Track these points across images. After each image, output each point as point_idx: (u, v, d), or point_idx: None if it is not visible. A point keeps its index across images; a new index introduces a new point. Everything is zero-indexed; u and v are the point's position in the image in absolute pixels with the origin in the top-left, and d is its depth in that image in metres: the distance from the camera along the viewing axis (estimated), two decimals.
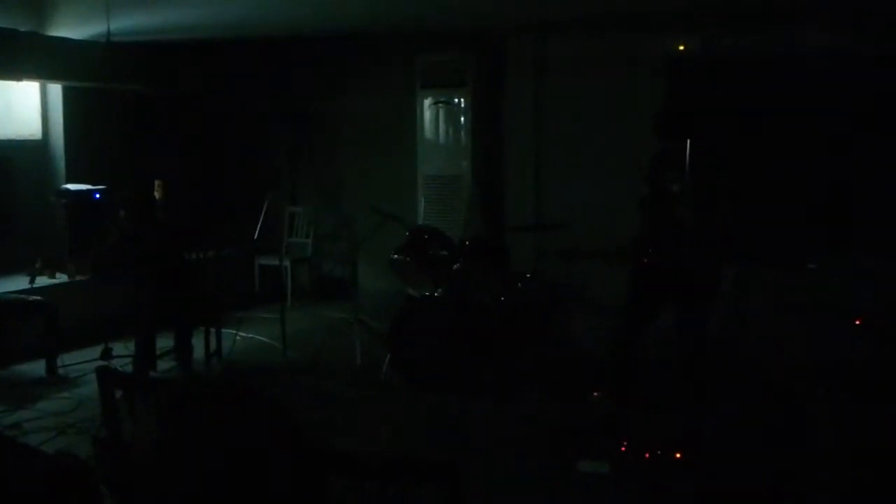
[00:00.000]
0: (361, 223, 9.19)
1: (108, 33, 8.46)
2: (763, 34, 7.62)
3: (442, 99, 9.49)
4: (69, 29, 8.66)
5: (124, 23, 8.39)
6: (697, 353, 5.60)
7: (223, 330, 7.70)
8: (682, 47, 7.74)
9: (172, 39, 8.64)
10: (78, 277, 8.19)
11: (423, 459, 2.45)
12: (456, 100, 9.43)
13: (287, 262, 9.85)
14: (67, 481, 2.14)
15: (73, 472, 2.17)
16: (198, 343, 7.37)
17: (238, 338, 7.99)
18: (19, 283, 7.86)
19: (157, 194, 8.57)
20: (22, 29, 8.32)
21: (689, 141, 5.08)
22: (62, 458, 2.35)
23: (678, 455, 5.18)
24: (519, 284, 7.24)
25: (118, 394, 3.57)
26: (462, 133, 9.45)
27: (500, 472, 5.26)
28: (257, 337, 8.44)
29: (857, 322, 6.27)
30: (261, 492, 1.33)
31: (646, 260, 5.57)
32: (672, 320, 5.64)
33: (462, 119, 9.45)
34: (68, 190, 8.46)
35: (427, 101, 9.58)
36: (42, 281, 8.03)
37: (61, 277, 8.21)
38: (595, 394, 6.14)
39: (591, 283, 7.72)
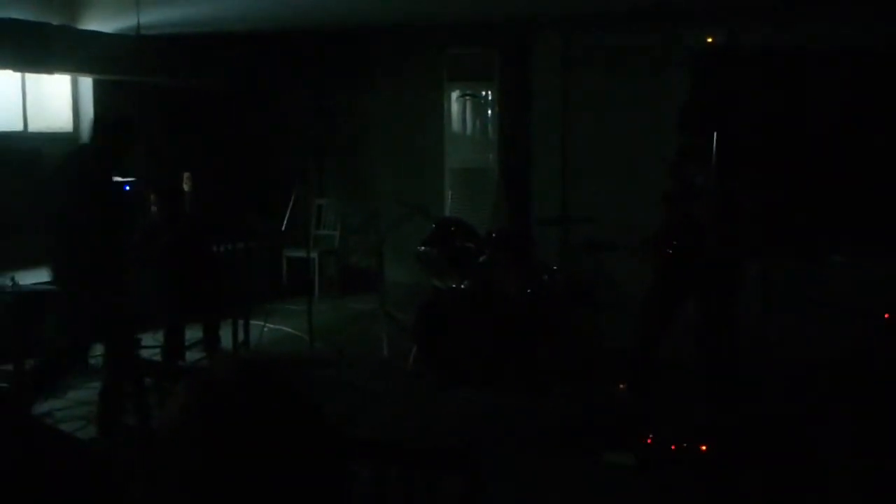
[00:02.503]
0: (388, 216, 9.22)
1: (139, 27, 8.53)
2: (791, 28, 7.57)
3: (469, 92, 9.52)
4: (100, 22, 8.74)
5: (154, 16, 8.46)
6: (721, 346, 5.59)
7: (251, 321, 7.76)
8: (709, 40, 7.70)
9: (202, 33, 8.70)
10: None
11: (444, 448, 2.47)
12: (483, 93, 9.45)
13: (314, 255, 9.91)
14: (97, 467, 2.18)
15: (101, 459, 2.21)
16: (225, 334, 7.43)
17: (265, 329, 8.05)
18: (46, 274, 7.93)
19: (185, 186, 8.63)
20: (54, 22, 8.40)
21: (713, 135, 5.07)
22: (92, 445, 2.39)
23: (703, 447, 5.18)
24: (545, 277, 7.23)
25: (147, 382, 3.64)
26: (489, 126, 9.47)
27: (525, 463, 5.29)
28: (284, 328, 8.50)
29: (886, 317, 6.23)
30: (283, 480, 1.35)
31: (669, 252, 5.56)
32: (696, 314, 5.64)
33: (489, 112, 9.47)
34: None
35: (454, 95, 9.60)
36: None
37: None
38: (621, 386, 6.14)
39: (616, 275, 7.71)
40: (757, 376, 6.24)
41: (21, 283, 7.31)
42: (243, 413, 1.33)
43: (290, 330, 8.46)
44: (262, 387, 1.40)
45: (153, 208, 7.10)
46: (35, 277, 7.77)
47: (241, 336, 7.62)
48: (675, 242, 5.54)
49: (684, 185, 5.50)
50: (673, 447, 5.24)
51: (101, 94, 9.05)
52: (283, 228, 6.99)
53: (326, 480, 1.46)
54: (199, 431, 1.31)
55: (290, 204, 6.95)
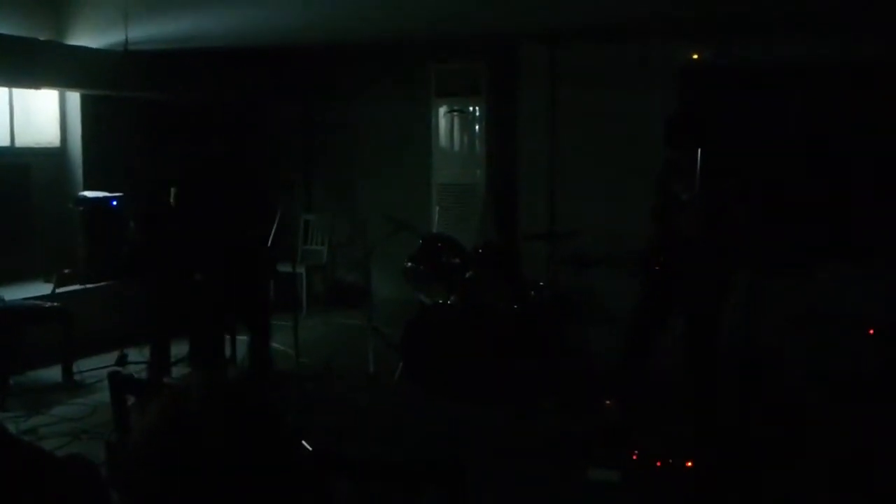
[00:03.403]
0: (376, 231, 9.23)
1: (126, 42, 8.55)
2: (775, 44, 7.62)
3: (456, 107, 9.55)
4: (87, 37, 8.75)
5: (142, 32, 8.49)
6: (708, 361, 5.61)
7: (238, 337, 7.76)
8: (695, 56, 7.75)
9: (189, 48, 8.71)
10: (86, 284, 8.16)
11: (425, 461, 2.47)
12: (470, 108, 9.49)
13: (302, 270, 9.91)
14: (76, 484, 2.17)
15: (81, 476, 2.20)
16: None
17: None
18: (37, 289, 7.92)
19: (172, 202, 8.63)
20: (41, 38, 8.42)
21: (698, 150, 5.10)
22: (72, 461, 2.38)
23: (689, 463, 5.19)
24: (531, 292, 7.25)
25: (130, 399, 3.62)
26: (476, 141, 9.50)
27: (509, 479, 5.27)
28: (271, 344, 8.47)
29: (871, 332, 6.26)
30: (249, 496, 1.35)
31: (656, 268, 5.58)
32: (682, 329, 5.65)
33: (476, 127, 9.50)
34: (86, 197, 8.53)
35: (441, 110, 9.64)
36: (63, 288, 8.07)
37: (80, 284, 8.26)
38: (607, 403, 6.14)
39: (603, 290, 7.74)
40: (742, 390, 6.27)
41: (5, 297, 7.29)
42: (211, 430, 1.33)
43: (276, 345, 8.43)
44: (231, 405, 1.40)
45: (132, 226, 7.09)
46: (22, 293, 7.77)
47: (227, 351, 7.62)
48: (662, 258, 5.56)
49: (671, 200, 5.52)
50: (658, 463, 5.25)
51: (89, 109, 9.04)
52: (269, 244, 6.98)
53: (295, 496, 1.46)
54: (167, 447, 1.31)
55: (276, 220, 6.95)
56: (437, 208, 9.53)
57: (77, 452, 4.67)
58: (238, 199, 7.22)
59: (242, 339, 7.83)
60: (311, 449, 2.59)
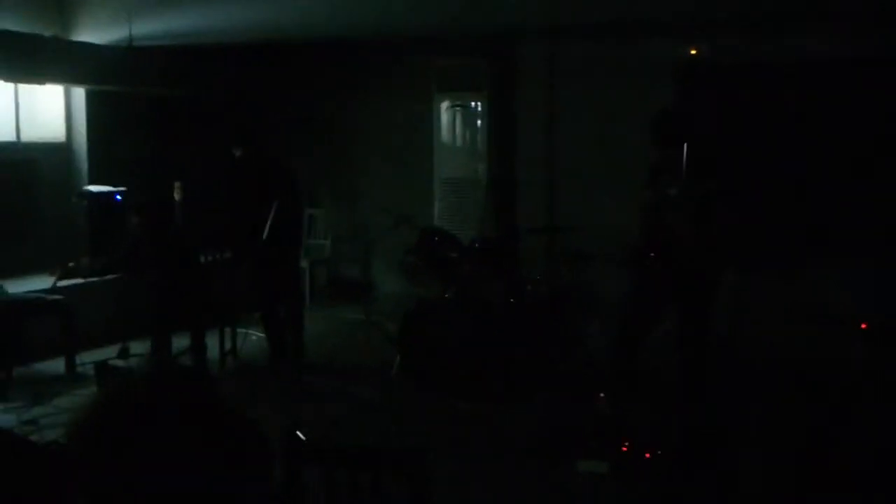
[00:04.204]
0: (378, 225, 9.29)
1: (131, 38, 8.64)
2: (772, 41, 7.64)
3: (458, 103, 9.60)
4: (92, 34, 8.84)
5: (146, 28, 8.57)
6: (697, 355, 5.66)
7: (239, 330, 7.85)
8: (693, 52, 7.78)
9: (193, 44, 8.78)
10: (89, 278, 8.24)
11: (391, 449, 2.53)
12: (472, 103, 9.53)
13: (305, 264, 9.99)
14: (59, 471, 2.24)
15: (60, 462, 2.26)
16: (213, 343, 7.51)
17: (254, 338, 8.12)
18: (41, 282, 8.00)
19: (175, 196, 8.73)
20: (46, 34, 8.51)
21: (685, 146, 5.14)
22: (52, 449, 2.45)
23: (676, 455, 5.24)
24: (528, 286, 7.30)
25: None
26: (478, 136, 9.55)
27: (501, 470, 5.34)
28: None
29: (864, 326, 6.29)
30: (186, 483, 1.41)
31: (647, 263, 5.64)
32: (673, 323, 5.70)
33: (478, 122, 9.54)
34: (90, 192, 8.62)
35: (444, 105, 9.69)
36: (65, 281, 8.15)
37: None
38: (600, 395, 6.19)
39: (600, 285, 7.77)
40: (731, 384, 6.32)
41: (9, 290, 7.39)
42: (148, 416, 1.39)
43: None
44: (173, 394, 1.46)
45: (134, 221, 7.18)
46: (26, 286, 7.86)
47: (227, 344, 7.70)
48: (651, 253, 5.61)
49: (660, 196, 5.57)
50: (647, 455, 5.30)
51: (94, 105, 9.13)
52: (265, 237, 7.06)
53: (238, 484, 1.51)
54: (104, 431, 1.38)
55: (271, 214, 7.03)
56: (439, 202, 9.59)
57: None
58: (254, 193, 7.40)
59: (244, 331, 7.94)
60: (302, 438, 2.67)
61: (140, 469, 1.37)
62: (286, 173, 7.71)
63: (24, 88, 8.69)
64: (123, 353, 7.54)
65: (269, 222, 7.10)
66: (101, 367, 7.09)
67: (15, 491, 2.19)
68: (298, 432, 2.63)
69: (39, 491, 2.19)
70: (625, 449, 5.38)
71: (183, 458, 1.41)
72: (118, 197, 8.66)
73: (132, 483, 1.36)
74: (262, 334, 8.07)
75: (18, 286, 7.76)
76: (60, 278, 7.58)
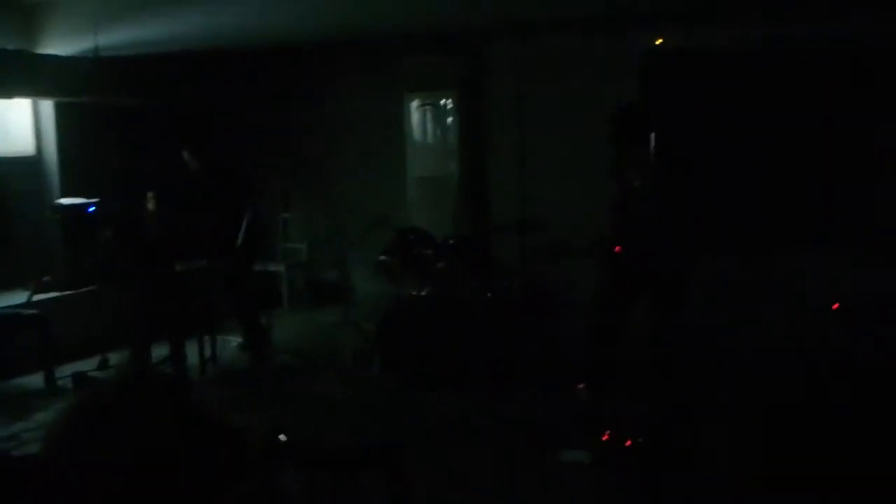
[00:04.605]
0: (353, 227, 9.30)
1: (97, 48, 8.60)
2: (737, 29, 7.70)
3: (429, 101, 9.62)
4: (58, 45, 8.80)
5: (111, 38, 8.53)
6: (671, 343, 5.72)
7: (218, 336, 7.85)
8: (658, 41, 7.83)
9: (159, 53, 8.76)
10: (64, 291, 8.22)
11: (369, 446, 2.56)
12: (442, 102, 9.55)
13: (282, 268, 10.00)
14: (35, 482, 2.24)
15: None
16: (192, 351, 7.51)
17: (233, 344, 8.12)
18: (16, 297, 7.98)
19: (149, 206, 8.70)
20: (10, 47, 8.46)
21: (650, 139, 5.21)
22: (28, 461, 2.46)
23: (656, 443, 5.29)
24: (503, 282, 7.35)
25: None
26: (449, 134, 9.57)
27: (483, 463, 5.39)
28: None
29: (835, 307, 6.37)
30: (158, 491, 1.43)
31: (616, 255, 5.69)
32: (646, 313, 5.76)
33: (449, 120, 9.57)
34: (62, 205, 8.59)
35: (414, 104, 9.71)
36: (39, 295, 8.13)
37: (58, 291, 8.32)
38: (579, 387, 6.24)
39: (573, 279, 7.82)
40: (707, 371, 6.39)
41: None
42: (120, 424, 1.41)
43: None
44: (144, 400, 1.48)
45: (107, 234, 7.17)
46: (2, 301, 7.84)
47: (207, 351, 7.71)
48: (618, 247, 5.67)
49: (626, 189, 5.63)
50: (628, 443, 5.35)
51: (63, 117, 9.09)
52: (239, 244, 7.08)
53: (213, 489, 1.53)
54: (75, 439, 1.40)
55: (245, 220, 7.05)
56: (413, 202, 9.61)
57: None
58: (212, 201, 7.44)
59: (223, 338, 7.95)
60: (283, 439, 2.69)
61: (111, 476, 1.39)
62: (241, 180, 7.89)
63: None
64: (103, 365, 7.53)
65: (243, 228, 7.13)
66: (80, 379, 7.08)
67: None
68: (281, 435, 2.66)
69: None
70: (605, 438, 5.44)
71: (155, 464, 1.43)
72: (91, 209, 8.63)
73: (103, 490, 1.38)
74: (240, 339, 8.10)
75: None
76: (35, 292, 7.55)
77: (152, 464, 1.42)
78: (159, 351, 7.40)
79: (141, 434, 1.42)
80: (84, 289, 8.35)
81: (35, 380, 7.37)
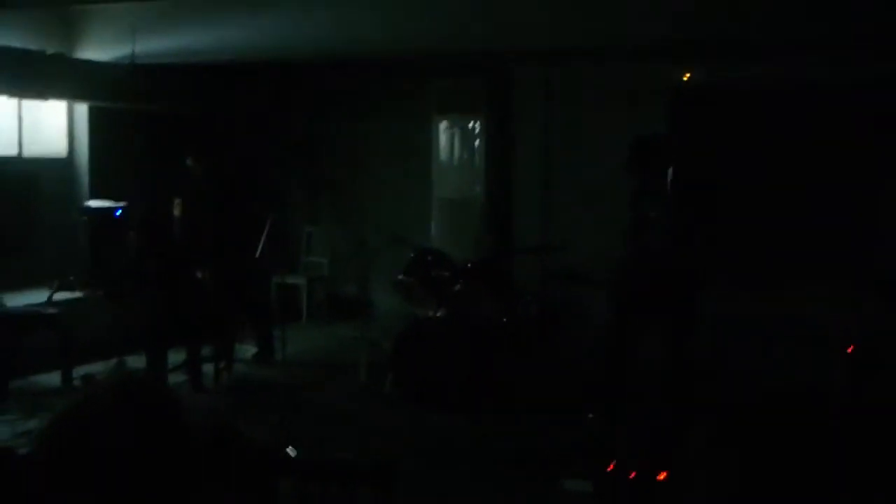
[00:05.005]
0: (376, 244, 9.35)
1: (133, 55, 8.74)
2: (766, 65, 7.73)
3: (456, 123, 9.69)
4: (95, 51, 8.96)
5: (148, 46, 8.68)
6: (680, 375, 5.73)
7: (236, 345, 7.93)
8: (686, 77, 7.87)
9: (194, 62, 8.89)
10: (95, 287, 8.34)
11: (360, 462, 2.60)
12: (470, 124, 9.62)
13: (303, 280, 10.08)
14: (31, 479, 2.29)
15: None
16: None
17: (249, 353, 8.20)
18: (41, 296, 8.08)
19: (175, 211, 8.81)
20: (49, 51, 8.62)
21: (669, 171, 5.24)
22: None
23: (662, 475, 5.29)
24: (520, 305, 7.38)
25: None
26: (475, 157, 9.63)
27: (485, 486, 5.40)
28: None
29: (850, 350, 6.34)
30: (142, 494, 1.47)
31: (627, 285, 5.73)
32: (658, 343, 5.78)
33: (476, 143, 9.63)
34: (90, 207, 8.72)
35: (442, 126, 9.78)
36: (61, 295, 8.22)
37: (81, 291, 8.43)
38: (589, 415, 6.25)
39: (589, 306, 7.84)
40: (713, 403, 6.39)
41: (7, 303, 7.48)
42: (109, 427, 1.47)
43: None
44: (132, 406, 1.53)
45: (134, 237, 7.28)
46: (25, 299, 7.95)
47: (223, 358, 7.78)
48: (631, 275, 5.70)
49: (641, 218, 5.68)
50: (632, 475, 5.35)
51: (96, 121, 9.24)
52: (258, 254, 7.16)
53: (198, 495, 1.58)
54: (64, 439, 1.46)
55: (265, 231, 7.14)
56: (436, 222, 9.67)
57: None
58: (228, 211, 7.55)
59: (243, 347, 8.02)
60: (291, 454, 2.73)
61: (98, 477, 1.44)
62: (253, 188, 8.10)
63: (28, 104, 8.80)
64: (119, 368, 7.60)
65: (263, 238, 7.22)
66: (88, 381, 7.15)
67: None
68: (290, 448, 2.70)
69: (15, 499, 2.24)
70: (610, 469, 5.44)
71: (139, 468, 1.48)
72: (118, 212, 8.75)
73: (91, 490, 1.44)
74: (254, 349, 8.20)
75: (17, 300, 7.84)
76: (57, 291, 7.66)
77: (136, 468, 1.47)
78: (176, 356, 7.48)
79: (127, 439, 1.47)
80: (106, 291, 8.45)
81: (53, 378, 7.46)
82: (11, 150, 8.72)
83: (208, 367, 7.60)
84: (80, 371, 7.47)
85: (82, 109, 9.22)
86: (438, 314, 7.22)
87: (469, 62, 9.41)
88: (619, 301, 5.94)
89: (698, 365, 5.98)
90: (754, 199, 7.68)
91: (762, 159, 7.76)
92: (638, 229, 5.71)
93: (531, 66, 9.16)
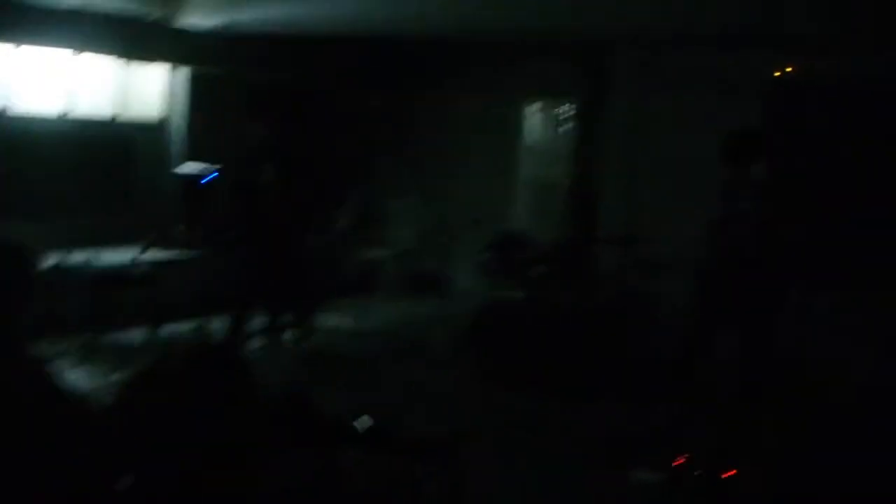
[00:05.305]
0: (460, 223, 9.38)
1: (234, 23, 8.87)
2: (869, 59, 7.51)
3: (547, 107, 9.64)
4: (197, 17, 9.11)
5: (247, 14, 8.79)
6: (760, 369, 5.65)
7: (318, 314, 8.05)
8: (787, 69, 7.70)
9: (291, 32, 8.98)
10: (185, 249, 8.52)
11: (427, 437, 2.63)
12: (560, 108, 9.56)
13: (385, 254, 10.16)
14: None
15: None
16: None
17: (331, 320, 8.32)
18: (133, 256, 8.28)
19: (267, 178, 8.93)
20: (154, 15, 8.79)
21: (762, 163, 5.16)
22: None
23: (730, 473, 5.21)
24: (602, 290, 7.34)
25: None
26: (564, 142, 9.58)
27: (546, 469, 5.39)
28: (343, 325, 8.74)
29: None
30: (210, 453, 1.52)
31: (714, 277, 5.67)
32: (738, 336, 5.71)
33: (565, 128, 9.57)
34: (184, 171, 8.91)
35: (533, 108, 9.74)
36: (150, 255, 8.39)
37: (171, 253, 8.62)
38: (666, 405, 6.17)
39: (671, 295, 7.74)
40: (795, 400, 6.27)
41: (102, 262, 7.71)
42: (180, 392, 1.52)
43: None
44: (203, 374, 1.59)
45: (224, 201, 7.41)
46: (118, 258, 8.17)
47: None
48: (719, 269, 5.64)
49: (730, 210, 5.61)
50: (698, 472, 5.28)
51: (195, 87, 9.42)
52: (340, 225, 7.25)
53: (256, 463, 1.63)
54: (138, 400, 1.52)
55: (352, 205, 7.22)
56: (521, 204, 9.66)
57: None
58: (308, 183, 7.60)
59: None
60: (369, 425, 2.78)
61: (167, 437, 1.50)
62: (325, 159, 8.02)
63: (127, 69, 9.00)
64: (200, 332, 7.78)
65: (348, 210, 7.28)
66: (169, 343, 7.32)
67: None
68: (366, 417, 2.74)
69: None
70: (678, 463, 5.38)
71: (208, 432, 1.53)
72: (212, 176, 8.89)
73: (153, 450, 1.49)
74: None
75: (111, 258, 8.07)
76: (146, 249, 7.85)
77: (203, 432, 1.53)
78: (260, 319, 7.62)
79: (195, 403, 1.52)
80: (197, 252, 8.63)
81: (140, 335, 7.67)
82: (109, 114, 8.94)
83: (288, 334, 7.73)
84: (165, 330, 7.69)
85: (181, 74, 9.40)
86: (517, 295, 7.23)
87: (563, 46, 9.34)
88: (703, 294, 5.87)
89: (781, 362, 5.87)
90: (850, 197, 7.49)
91: (859, 158, 7.56)
92: (728, 222, 5.65)
93: (626, 53, 9.04)
